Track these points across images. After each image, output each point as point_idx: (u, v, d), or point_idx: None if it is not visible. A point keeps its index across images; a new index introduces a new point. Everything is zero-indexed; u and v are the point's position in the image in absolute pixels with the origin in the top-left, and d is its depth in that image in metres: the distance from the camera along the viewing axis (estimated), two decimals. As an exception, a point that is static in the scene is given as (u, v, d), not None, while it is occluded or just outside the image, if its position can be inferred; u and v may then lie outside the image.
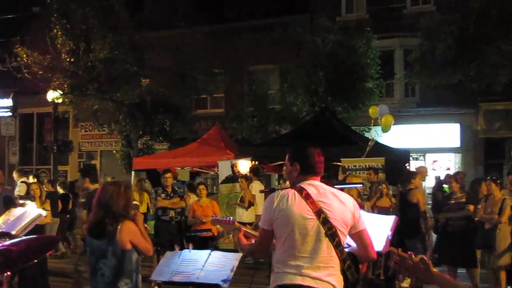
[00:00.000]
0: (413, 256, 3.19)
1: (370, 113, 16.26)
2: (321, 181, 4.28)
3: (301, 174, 4.24)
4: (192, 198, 13.40)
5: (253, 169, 14.81)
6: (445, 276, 3.31)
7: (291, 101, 19.35)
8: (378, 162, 13.64)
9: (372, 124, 16.70)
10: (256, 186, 14.23)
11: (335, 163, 14.43)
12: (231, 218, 5.13)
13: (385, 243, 5.52)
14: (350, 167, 13.79)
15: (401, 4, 22.09)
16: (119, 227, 4.94)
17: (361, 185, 9.76)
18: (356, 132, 17.26)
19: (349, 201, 4.11)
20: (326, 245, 3.94)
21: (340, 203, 4.04)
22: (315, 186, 4.11)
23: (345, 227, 4.01)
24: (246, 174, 14.57)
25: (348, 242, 4.22)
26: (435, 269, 3.19)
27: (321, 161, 4.26)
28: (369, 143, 14.32)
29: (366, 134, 18.29)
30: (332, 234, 3.94)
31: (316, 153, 4.27)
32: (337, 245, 3.95)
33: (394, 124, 17.14)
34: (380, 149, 14.70)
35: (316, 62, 18.71)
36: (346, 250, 4.14)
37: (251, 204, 13.52)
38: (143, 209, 15.26)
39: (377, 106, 16.63)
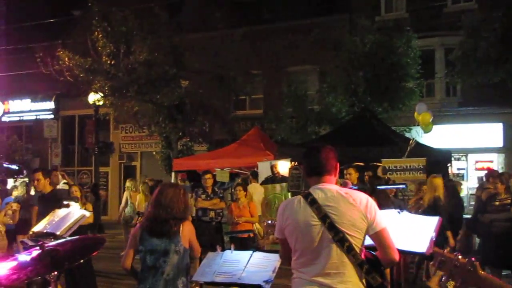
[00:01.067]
0: (460, 257, 3.01)
1: (415, 116, 16.13)
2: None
3: (308, 175, 4.17)
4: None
5: (252, 172, 15.62)
6: (494, 278, 3.12)
7: (330, 101, 19.24)
8: (419, 162, 13.48)
9: (416, 124, 16.54)
10: (253, 188, 14.42)
11: (375, 163, 14.32)
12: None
13: (429, 244, 5.45)
14: (390, 168, 13.64)
15: (442, 2, 21.79)
16: (181, 227, 5.20)
17: (403, 186, 9.66)
18: (396, 133, 17.09)
19: (362, 202, 3.89)
20: (335, 251, 3.82)
21: (349, 206, 3.87)
22: (323, 190, 3.97)
23: (357, 230, 3.85)
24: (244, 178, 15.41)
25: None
26: (483, 272, 3.01)
27: (324, 159, 4.07)
28: (410, 143, 14.17)
29: (407, 135, 18.12)
30: (341, 239, 3.80)
31: (317, 152, 4.13)
32: (348, 250, 3.81)
33: (435, 124, 16.91)
34: (421, 150, 14.53)
35: (355, 62, 18.57)
36: (372, 252, 4.03)
37: None
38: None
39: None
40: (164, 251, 5.16)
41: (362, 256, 3.91)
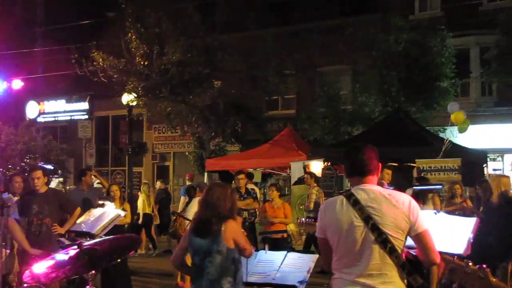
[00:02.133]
0: (470, 264, 3.02)
1: (453, 120, 15.99)
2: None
3: (349, 175, 4.14)
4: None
5: (247, 174, 15.74)
6: (506, 286, 3.13)
7: (364, 101, 19.12)
8: (454, 163, 13.31)
9: (451, 124, 16.37)
10: None
11: (409, 164, 14.18)
12: (313, 220, 5.13)
13: (467, 246, 5.38)
14: (425, 168, 13.49)
15: (477, 0, 21.49)
16: (223, 226, 5.13)
17: (440, 187, 9.56)
18: (430, 133, 16.88)
19: (405, 203, 3.87)
20: (378, 252, 3.80)
21: (392, 207, 3.84)
22: (366, 191, 3.95)
23: (399, 232, 3.83)
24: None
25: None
26: (494, 279, 3.01)
27: (366, 159, 4.03)
28: (445, 143, 13.99)
29: (441, 135, 17.91)
30: (383, 241, 3.78)
31: (359, 152, 4.08)
32: (391, 251, 3.79)
33: (470, 124, 16.70)
34: (456, 150, 14.35)
35: (389, 62, 18.42)
36: (412, 252, 4.02)
37: None
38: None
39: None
40: (207, 251, 5.16)
41: (403, 256, 3.89)
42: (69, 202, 8.73)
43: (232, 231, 5.20)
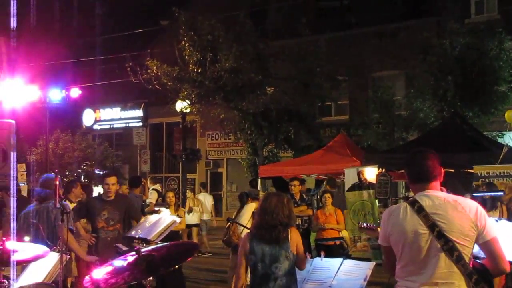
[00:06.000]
0: None
1: (506, 118, 15.55)
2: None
3: (412, 182, 4.04)
4: None
5: (201, 184, 19.58)
6: None
7: (418, 106, 18.86)
8: (513, 169, 12.94)
9: (508, 129, 15.93)
10: (202, 197, 17.91)
11: (466, 170, 13.88)
12: (375, 225, 5.07)
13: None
14: (483, 174, 13.16)
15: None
16: (289, 233, 5.37)
17: (502, 193, 9.30)
18: (488, 138, 16.48)
19: (472, 210, 3.76)
20: (444, 261, 3.71)
21: (458, 214, 3.74)
22: (430, 197, 3.85)
23: (467, 239, 3.72)
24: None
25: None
26: None
27: (429, 165, 3.92)
28: (504, 149, 13.63)
29: (499, 140, 17.49)
30: (450, 249, 3.69)
31: (422, 158, 3.98)
32: (458, 260, 3.69)
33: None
34: (515, 155, 13.95)
35: (444, 66, 18.13)
36: (479, 261, 3.89)
37: (191, 209, 16.89)
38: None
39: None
40: (274, 258, 5.29)
41: (470, 265, 3.79)
42: (135, 208, 8.86)
43: (296, 238, 5.43)
